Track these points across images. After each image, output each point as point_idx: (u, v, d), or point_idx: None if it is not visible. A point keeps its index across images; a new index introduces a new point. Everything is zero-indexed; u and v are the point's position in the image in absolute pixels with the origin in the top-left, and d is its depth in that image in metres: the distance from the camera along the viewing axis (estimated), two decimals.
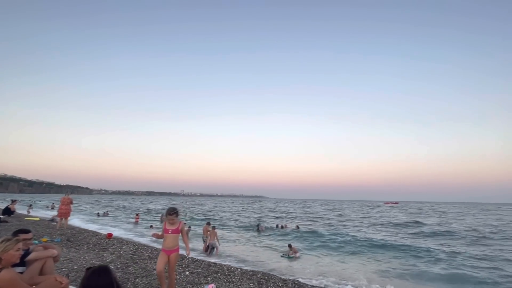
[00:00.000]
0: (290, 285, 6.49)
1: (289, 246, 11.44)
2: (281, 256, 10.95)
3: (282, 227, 18.98)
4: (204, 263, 8.28)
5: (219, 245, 11.39)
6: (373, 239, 15.18)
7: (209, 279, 6.58)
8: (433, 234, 18.04)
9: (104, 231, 14.88)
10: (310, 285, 6.66)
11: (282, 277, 7.39)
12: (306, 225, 22.53)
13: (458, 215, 37.26)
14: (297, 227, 18.76)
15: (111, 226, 20.24)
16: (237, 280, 6.61)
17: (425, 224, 23.77)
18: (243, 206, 58.29)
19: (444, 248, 13.08)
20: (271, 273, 7.75)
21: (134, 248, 9.89)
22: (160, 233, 4.95)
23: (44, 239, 9.96)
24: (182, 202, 28.36)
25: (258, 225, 18.78)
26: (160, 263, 4.66)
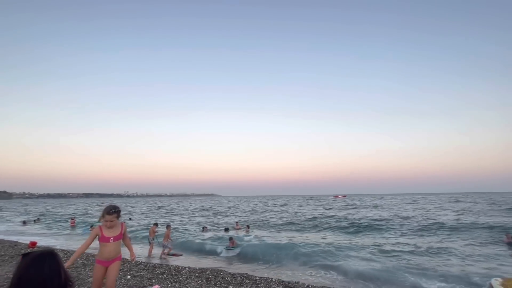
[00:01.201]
0: (239, 278, 6.59)
1: (230, 239, 11.73)
2: (225, 249, 11.07)
3: (234, 227, 18.96)
4: (149, 265, 7.82)
5: (170, 246, 10.87)
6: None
7: (153, 281, 6.25)
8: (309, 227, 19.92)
9: (28, 240, 12.82)
10: (258, 277, 6.86)
11: (231, 271, 7.45)
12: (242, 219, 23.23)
13: (387, 205, 42.86)
14: (248, 227, 18.87)
15: (40, 234, 17.63)
16: (184, 279, 6.43)
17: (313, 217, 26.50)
18: (190, 205, 56.78)
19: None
20: (220, 268, 7.74)
21: (66, 256, 8.79)
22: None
23: None
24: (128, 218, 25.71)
25: (203, 228, 18.46)
26: (98, 280, 3.55)
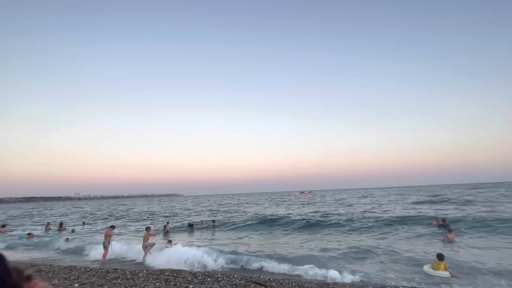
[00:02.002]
0: (200, 277, 6.44)
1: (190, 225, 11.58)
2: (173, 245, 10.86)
3: (199, 222, 18.74)
4: (101, 271, 7.21)
5: (150, 249, 10.17)
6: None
7: (106, 287, 5.78)
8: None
9: None
10: (220, 274, 6.79)
11: (192, 270, 7.25)
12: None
13: (343, 200, 46.04)
14: (213, 221, 18.80)
15: None
16: (141, 282, 6.06)
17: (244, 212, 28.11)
18: (149, 205, 53.98)
19: None
20: (180, 268, 7.47)
21: None
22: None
23: None
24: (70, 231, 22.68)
25: (164, 226, 17.81)
26: None
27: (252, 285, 5.70)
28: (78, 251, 11.47)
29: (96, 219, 28.11)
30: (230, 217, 23.10)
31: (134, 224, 22.39)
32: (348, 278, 6.50)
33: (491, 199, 28.56)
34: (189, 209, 39.15)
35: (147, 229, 10.99)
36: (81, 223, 24.53)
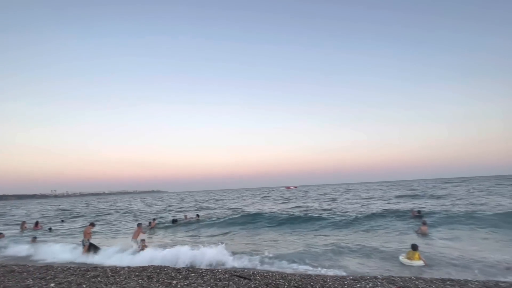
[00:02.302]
0: (183, 273, 6.38)
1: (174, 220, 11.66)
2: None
3: (184, 217, 18.67)
4: (80, 269, 6.98)
5: (138, 245, 10.02)
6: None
7: (84, 285, 5.60)
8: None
9: None
10: (204, 269, 6.77)
11: (176, 266, 7.18)
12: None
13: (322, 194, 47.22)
14: (197, 216, 18.70)
15: None
16: (122, 280, 5.92)
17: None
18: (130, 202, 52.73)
19: None
20: (164, 265, 7.37)
21: None
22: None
23: None
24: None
25: (150, 222, 17.53)
26: None
27: (236, 279, 5.73)
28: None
29: (75, 217, 27.07)
30: (214, 212, 23.04)
31: (117, 221, 21.78)
32: (329, 271, 6.70)
33: (467, 193, 30.33)
34: (173, 205, 38.58)
35: (139, 225, 11.04)
36: (60, 220, 23.57)
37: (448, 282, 5.06)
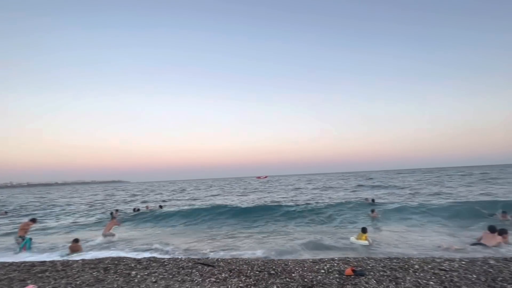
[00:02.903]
0: (144, 263, 6.17)
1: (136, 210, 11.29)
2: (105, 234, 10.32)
3: (146, 207, 17.96)
4: (24, 265, 6.35)
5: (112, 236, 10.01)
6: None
7: (29, 281, 5.11)
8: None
9: None
10: (167, 258, 6.62)
11: (137, 257, 6.90)
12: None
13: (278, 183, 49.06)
14: (160, 207, 18.13)
15: None
16: (74, 273, 5.53)
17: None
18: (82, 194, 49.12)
19: None
20: (123, 255, 7.05)
21: None
22: None
23: None
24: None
25: (111, 213, 16.62)
26: None
27: (200, 266, 5.71)
28: None
29: (18, 210, 24.40)
30: (174, 204, 22.51)
31: (66, 215, 20.17)
32: (290, 255, 7.04)
33: (417, 183, 33.69)
34: (136, 195, 36.84)
35: (113, 217, 10.57)
36: (3, 211, 21.17)
37: (394, 260, 5.62)
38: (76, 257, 7.49)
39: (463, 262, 5.23)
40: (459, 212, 12.48)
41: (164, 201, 26.00)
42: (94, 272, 5.55)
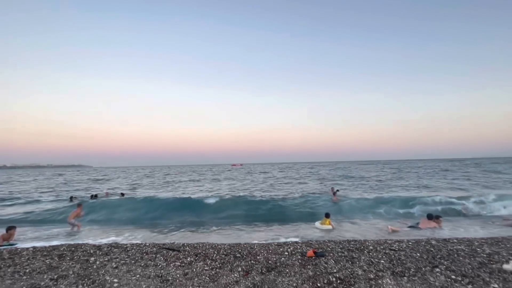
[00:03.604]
0: (105, 249, 5.90)
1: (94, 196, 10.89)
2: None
3: (106, 194, 16.99)
4: None
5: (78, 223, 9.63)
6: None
7: None
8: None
9: None
10: (130, 244, 6.40)
11: (96, 243, 6.58)
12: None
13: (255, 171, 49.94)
14: (122, 194, 17.23)
15: None
16: (23, 261, 5.11)
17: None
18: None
19: None
20: (80, 242, 6.67)
21: None
22: None
23: None
24: None
25: (71, 198, 15.56)
26: None
27: (165, 251, 5.62)
28: None
29: None
30: (135, 192, 21.69)
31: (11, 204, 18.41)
32: (255, 240, 7.23)
33: (383, 173, 36.21)
34: (99, 180, 34.75)
35: (78, 205, 10.00)
36: None
37: (352, 242, 6.07)
38: (25, 244, 6.93)
39: (410, 243, 5.82)
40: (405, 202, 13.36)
41: (133, 185, 24.88)
42: (47, 259, 5.18)
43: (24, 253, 5.70)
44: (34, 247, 6.17)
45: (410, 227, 8.65)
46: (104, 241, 7.15)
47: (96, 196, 16.09)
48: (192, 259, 5.06)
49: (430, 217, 8.66)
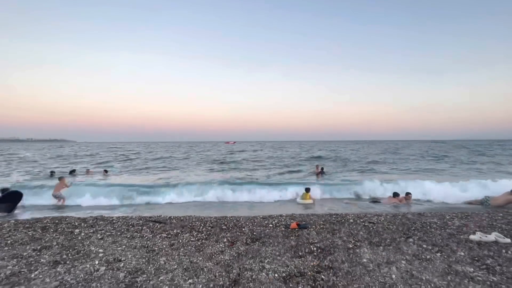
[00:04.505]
0: (90, 221, 5.89)
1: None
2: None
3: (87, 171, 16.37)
4: None
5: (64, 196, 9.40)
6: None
7: None
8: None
9: None
10: (116, 216, 6.41)
11: (81, 216, 6.55)
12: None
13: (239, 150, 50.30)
14: (105, 171, 16.65)
15: None
16: (4, 233, 5.03)
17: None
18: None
19: None
20: (65, 214, 6.61)
21: None
22: None
23: None
24: None
25: (51, 172, 15.11)
26: None
27: (151, 224, 5.68)
28: None
29: None
30: (119, 171, 21.44)
31: None
32: (241, 213, 7.40)
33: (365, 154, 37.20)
34: (80, 156, 33.90)
35: (60, 178, 9.74)
36: None
37: (334, 215, 6.34)
38: (6, 217, 6.81)
39: (388, 216, 6.15)
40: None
41: (112, 160, 24.46)
42: (29, 231, 5.13)
43: (5, 225, 5.61)
44: (16, 220, 6.08)
45: (372, 202, 9.13)
46: (89, 214, 7.12)
47: (74, 171, 15.53)
48: (178, 231, 5.15)
49: (395, 195, 9.09)
